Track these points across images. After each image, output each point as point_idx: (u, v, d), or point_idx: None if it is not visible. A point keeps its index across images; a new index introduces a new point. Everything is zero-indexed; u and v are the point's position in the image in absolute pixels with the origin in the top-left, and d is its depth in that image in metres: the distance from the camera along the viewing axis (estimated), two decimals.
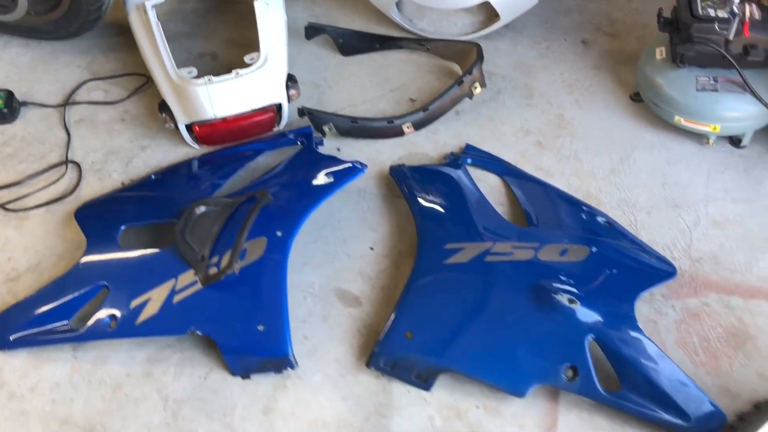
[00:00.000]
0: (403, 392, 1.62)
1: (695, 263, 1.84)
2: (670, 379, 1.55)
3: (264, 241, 1.74)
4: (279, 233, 1.76)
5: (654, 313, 1.74)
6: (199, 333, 1.62)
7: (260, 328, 1.62)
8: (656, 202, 1.98)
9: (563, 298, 1.61)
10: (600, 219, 1.88)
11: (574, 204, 1.92)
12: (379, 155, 2.11)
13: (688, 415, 1.52)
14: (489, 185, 2.02)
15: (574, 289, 1.65)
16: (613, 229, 1.86)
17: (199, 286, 1.68)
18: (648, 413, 1.53)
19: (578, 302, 1.61)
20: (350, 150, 2.12)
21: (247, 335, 1.63)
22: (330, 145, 2.12)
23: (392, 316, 1.65)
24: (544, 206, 1.91)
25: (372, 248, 1.90)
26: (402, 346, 1.61)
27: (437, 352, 1.60)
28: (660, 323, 1.73)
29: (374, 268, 1.85)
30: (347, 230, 1.94)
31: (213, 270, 1.69)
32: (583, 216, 1.87)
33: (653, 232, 1.91)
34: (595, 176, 2.05)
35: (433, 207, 1.86)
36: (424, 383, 1.60)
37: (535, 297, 1.64)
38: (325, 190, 1.86)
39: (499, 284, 1.68)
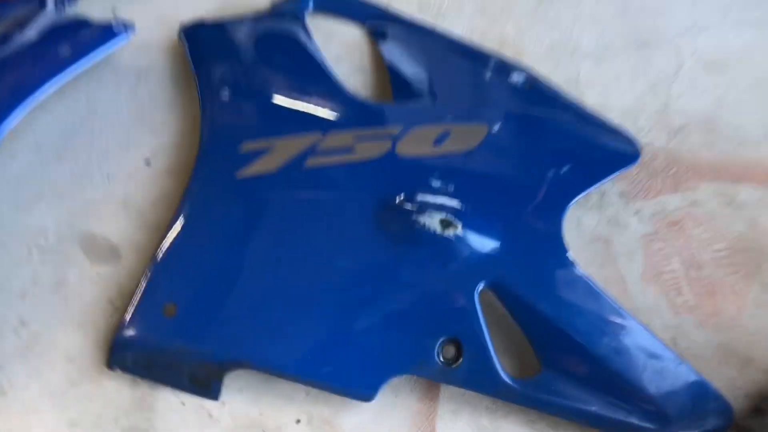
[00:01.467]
0: (174, 406, 0.95)
1: (675, 136, 1.10)
2: (631, 348, 0.86)
3: None
4: None
5: (606, 226, 1.03)
6: None
7: None
8: (611, 42, 1.22)
9: (432, 221, 0.90)
10: (515, 77, 1.12)
11: (471, 56, 1.15)
12: (176, 12, 1.33)
13: (665, 413, 0.84)
14: (344, 42, 1.26)
15: (452, 202, 0.92)
16: (534, 91, 1.10)
17: None
18: (590, 413, 0.84)
19: (458, 224, 0.89)
20: (132, 8, 1.34)
21: None
22: (102, 4, 1.34)
23: (144, 279, 0.95)
24: (418, 66, 1.15)
25: (149, 162, 1.16)
26: (158, 329, 0.92)
27: (220, 336, 0.91)
28: (615, 243, 1.02)
29: (148, 194, 1.13)
30: (113, 136, 1.20)
31: None
32: (488, 75, 1.11)
33: (606, 90, 1.16)
34: (513, 11, 1.27)
35: (231, 84, 1.11)
36: (205, 389, 0.92)
37: (384, 224, 0.92)
38: (51, 70, 1.11)
39: (325, 207, 0.96)
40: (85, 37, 1.14)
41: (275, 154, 0.99)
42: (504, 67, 1.13)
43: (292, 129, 1.02)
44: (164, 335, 0.91)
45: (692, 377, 0.86)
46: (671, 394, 0.85)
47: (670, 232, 1.02)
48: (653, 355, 0.86)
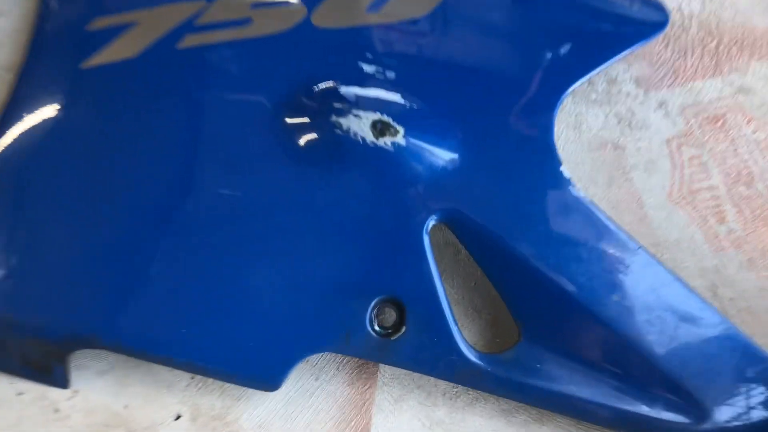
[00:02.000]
0: (8, 397, 0.67)
1: None
2: (651, 306, 0.58)
3: None
4: None
5: (617, 126, 0.73)
6: None
7: None
8: None
9: (361, 124, 0.59)
10: None
11: None
12: None
13: (700, 401, 0.56)
14: None
15: (393, 95, 0.61)
16: None
17: None
18: (590, 402, 0.57)
19: (400, 129, 0.59)
20: None
21: None
22: None
23: None
24: None
25: None
26: None
27: (51, 302, 0.62)
28: (630, 150, 0.72)
29: None
30: None
31: None
32: None
33: None
34: None
35: None
36: (45, 373, 0.64)
37: (295, 130, 0.62)
38: None
39: (207, 108, 0.65)
40: None
41: (137, 32, 0.67)
42: None
43: None
44: None
45: (742, 347, 0.58)
46: (712, 375, 0.57)
47: (709, 132, 0.72)
48: (684, 316, 0.58)
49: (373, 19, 0.66)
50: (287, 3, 0.68)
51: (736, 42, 0.76)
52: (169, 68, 0.66)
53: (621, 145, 0.72)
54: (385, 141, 0.59)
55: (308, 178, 0.61)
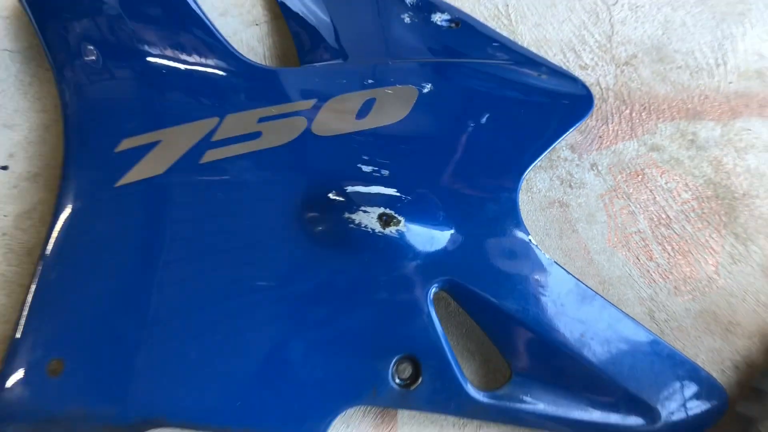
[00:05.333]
0: None
1: (624, 70, 0.97)
2: (609, 339, 0.74)
3: None
4: None
5: (560, 187, 0.90)
6: None
7: None
8: None
9: (369, 218, 0.73)
10: (438, 18, 0.94)
11: None
12: None
13: (652, 407, 0.73)
14: None
15: (390, 190, 0.76)
16: (463, 32, 0.93)
17: None
18: (573, 420, 0.73)
19: (401, 219, 0.74)
20: None
21: None
22: None
23: (18, 330, 0.75)
24: (329, 15, 0.96)
25: (5, 167, 0.94)
26: (44, 393, 0.73)
27: (124, 391, 0.73)
28: (573, 207, 0.89)
29: (11, 208, 0.91)
30: None
31: None
32: (406, 18, 0.93)
33: (541, 23, 1.01)
34: None
35: (92, 60, 0.88)
36: None
37: (310, 227, 0.75)
38: None
39: (233, 212, 0.78)
40: None
41: (161, 151, 0.79)
42: (424, 7, 0.96)
43: (180, 116, 0.81)
44: (52, 399, 0.73)
45: (678, 361, 0.76)
46: (657, 384, 0.74)
47: (632, 185, 0.90)
48: (634, 343, 0.75)
49: (363, 124, 0.80)
50: (289, 115, 0.81)
51: (645, 108, 0.94)
52: (195, 181, 0.78)
53: (565, 203, 0.89)
54: (390, 230, 0.73)
55: (330, 263, 0.74)
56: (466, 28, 0.94)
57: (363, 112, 0.81)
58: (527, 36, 0.98)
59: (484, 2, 1.01)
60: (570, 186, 0.89)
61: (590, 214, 0.88)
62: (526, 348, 0.74)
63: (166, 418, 0.72)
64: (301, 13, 0.96)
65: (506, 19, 1.00)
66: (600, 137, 0.92)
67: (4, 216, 0.90)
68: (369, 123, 0.80)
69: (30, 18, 0.93)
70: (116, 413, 0.72)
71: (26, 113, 0.97)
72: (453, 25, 0.94)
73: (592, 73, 0.95)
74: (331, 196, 0.75)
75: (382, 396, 0.73)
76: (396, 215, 0.74)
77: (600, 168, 0.90)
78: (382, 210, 0.74)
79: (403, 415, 0.79)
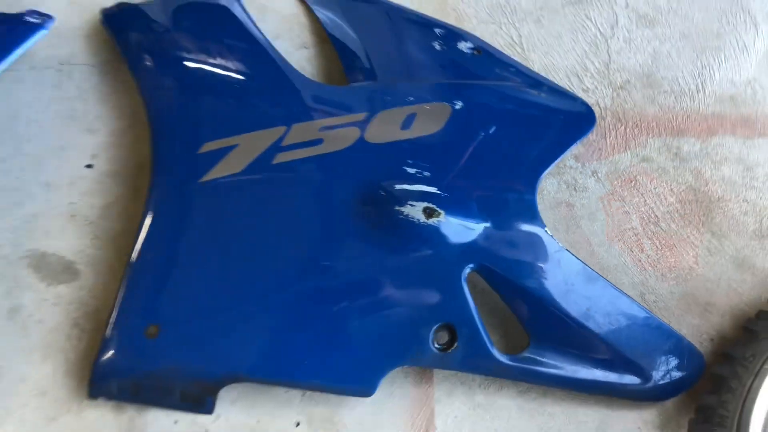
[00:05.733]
0: (166, 426, 0.92)
1: (620, 93, 1.14)
2: (610, 313, 0.91)
3: None
4: None
5: (566, 190, 1.06)
6: None
7: None
8: (547, 1, 1.23)
9: (415, 210, 0.90)
10: (463, 46, 1.11)
11: (417, 27, 1.13)
12: None
13: (644, 368, 0.90)
14: (280, 16, 1.20)
15: (432, 188, 0.92)
16: (485, 59, 1.10)
17: None
18: (579, 379, 0.89)
19: (441, 212, 0.90)
20: None
21: None
22: None
23: (118, 302, 0.89)
24: (367, 42, 1.12)
25: (90, 165, 1.08)
26: (143, 353, 0.88)
27: (207, 351, 0.88)
28: (577, 206, 1.06)
29: (96, 201, 1.06)
30: (44, 140, 1.10)
31: None
32: (436, 45, 1.10)
33: (549, 52, 1.18)
34: None
35: (174, 73, 1.03)
36: (199, 405, 0.89)
37: (366, 217, 0.91)
38: None
39: (301, 204, 0.93)
40: (2, 33, 1.03)
41: (239, 153, 0.95)
42: (450, 34, 1.12)
43: (254, 124, 0.97)
44: (150, 358, 0.87)
45: (665, 332, 0.92)
46: (649, 350, 0.91)
47: (626, 189, 1.07)
48: (630, 316, 0.92)
49: (407, 134, 0.97)
50: (345, 126, 0.97)
51: (637, 125, 1.12)
52: (268, 178, 0.94)
53: (571, 203, 1.05)
54: (433, 220, 0.89)
55: (382, 246, 0.90)
56: (486, 55, 1.11)
57: (406, 124, 0.97)
58: (537, 62, 1.15)
59: (501, 33, 1.18)
60: (575, 189, 1.06)
61: (591, 213, 1.05)
62: (542, 319, 0.90)
63: (246, 374, 0.87)
64: (346, 40, 1.12)
65: (519, 47, 1.17)
66: (599, 149, 1.09)
67: (91, 207, 1.05)
68: (412, 133, 0.96)
69: (116, 43, 1.09)
70: (204, 370, 0.87)
71: (105, 119, 1.12)
72: (475, 52, 1.11)
73: (593, 95, 1.12)
74: (383, 192, 0.91)
75: (423, 357, 0.88)
76: (437, 209, 0.90)
77: (599, 175, 1.07)
78: (426, 204, 0.90)
79: (438, 376, 0.94)
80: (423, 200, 0.90)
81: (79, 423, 0.92)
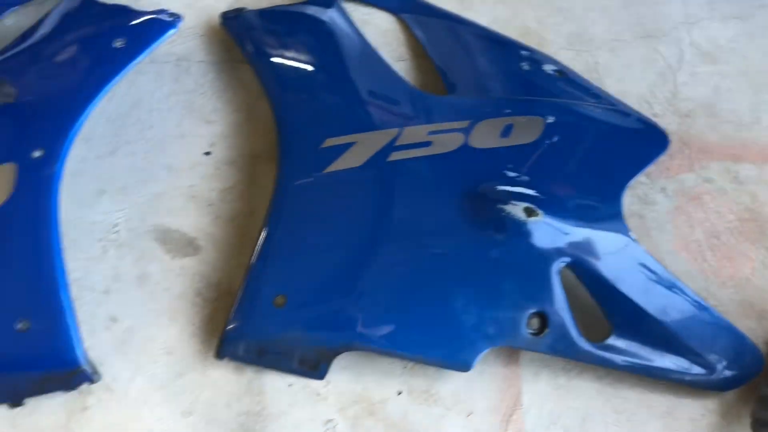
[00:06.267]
0: (281, 388, 1.02)
1: (685, 120, 1.27)
2: (685, 311, 1.02)
3: (12, 169, 1.01)
4: (38, 153, 1.03)
5: (638, 203, 1.18)
6: None
7: (21, 325, 0.94)
8: (621, 33, 1.36)
9: (517, 209, 1.01)
10: (547, 68, 1.24)
11: (507, 49, 1.26)
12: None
13: (710, 362, 1.01)
14: (379, 30, 1.33)
15: (531, 191, 1.04)
16: (567, 81, 1.23)
17: None
18: (653, 367, 1.00)
19: (540, 212, 1.01)
20: None
21: (0, 339, 0.94)
22: None
23: (249, 273, 1.00)
24: (464, 58, 1.25)
25: (208, 152, 1.19)
26: (270, 320, 0.99)
27: (328, 321, 0.99)
28: (648, 218, 1.17)
29: (215, 185, 1.17)
30: (165, 127, 1.21)
31: None
32: (524, 66, 1.23)
33: (623, 78, 1.31)
34: (531, 2, 1.38)
35: (297, 76, 1.15)
36: (313, 370, 1.00)
37: (471, 212, 1.03)
38: (112, 67, 1.11)
39: (413, 197, 1.05)
40: (139, 29, 1.14)
41: (358, 149, 1.06)
42: (535, 57, 1.25)
43: (370, 124, 1.09)
44: (277, 325, 0.98)
45: (730, 331, 1.04)
46: (715, 346, 1.02)
47: (691, 206, 1.19)
48: (699, 315, 1.03)
49: (506, 142, 1.09)
50: (450, 131, 1.09)
51: (700, 149, 1.24)
52: (384, 173, 1.05)
53: (642, 215, 1.17)
54: (532, 219, 1.01)
55: (485, 239, 1.01)
56: (569, 77, 1.23)
57: (505, 133, 1.09)
58: (612, 88, 1.28)
59: (579, 60, 1.31)
60: (645, 203, 1.18)
61: (660, 225, 1.17)
62: (624, 313, 1.01)
63: (361, 343, 0.97)
64: (440, 56, 1.25)
65: (596, 73, 1.30)
66: (667, 168, 1.21)
67: (210, 190, 1.16)
68: (510, 141, 1.08)
69: (239, 46, 1.20)
70: (324, 338, 0.98)
71: (222, 112, 1.23)
72: (558, 74, 1.24)
73: (661, 121, 1.25)
74: (488, 191, 1.02)
75: (516, 339, 0.99)
76: (537, 209, 1.01)
77: (668, 191, 1.19)
78: (526, 204, 1.01)
79: (525, 358, 1.05)
80: (524, 201, 1.02)
81: (204, 380, 1.02)
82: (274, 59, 1.16)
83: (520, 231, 1.01)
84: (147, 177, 1.16)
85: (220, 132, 1.21)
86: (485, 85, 1.19)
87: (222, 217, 1.14)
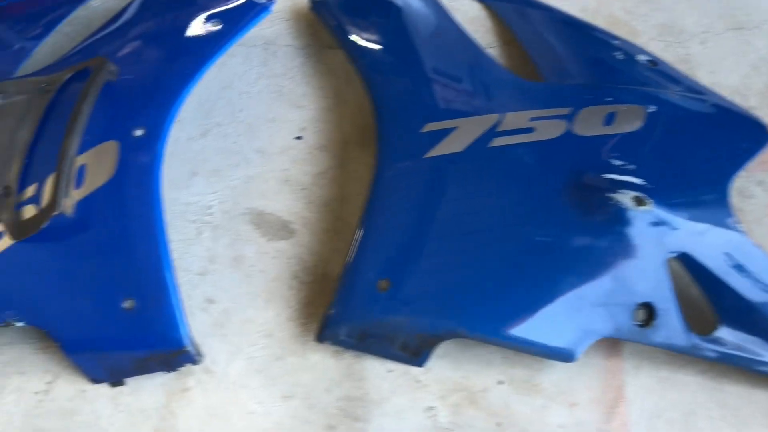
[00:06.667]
0: (381, 374, 1.01)
1: None
2: None
3: (114, 147, 1.01)
4: (139, 131, 1.02)
5: (736, 196, 1.15)
6: (18, 323, 0.92)
7: (127, 304, 0.93)
8: (712, 24, 1.34)
9: (626, 198, 0.99)
10: (641, 58, 1.22)
11: (599, 38, 1.24)
12: None
13: None
14: (466, 17, 1.31)
15: (639, 180, 1.02)
16: (661, 72, 1.21)
17: (8, 240, 0.95)
18: (762, 361, 0.98)
19: (650, 201, 0.99)
20: None
21: (106, 318, 0.94)
22: None
23: (351, 257, 0.99)
24: (556, 45, 1.23)
25: (300, 137, 1.19)
26: (373, 304, 0.97)
27: (433, 307, 0.97)
28: (746, 211, 1.15)
29: (308, 169, 1.16)
30: (255, 110, 1.21)
31: (28, 210, 0.96)
32: (618, 55, 1.21)
33: (715, 71, 1.28)
34: None
35: (393, 60, 1.14)
36: (414, 357, 0.99)
37: (577, 200, 1.01)
38: (210, 48, 1.10)
39: (517, 184, 1.03)
40: (234, 11, 1.13)
41: (460, 134, 1.05)
42: (627, 48, 1.23)
43: (470, 109, 1.07)
44: (380, 309, 0.96)
45: None
46: None
47: None
48: None
49: (610, 129, 1.07)
50: (553, 118, 1.07)
51: None
52: (486, 159, 1.03)
53: (741, 208, 1.14)
54: (642, 209, 0.99)
55: (592, 228, 0.99)
56: (661, 67, 1.21)
57: (608, 121, 1.07)
58: (704, 80, 1.25)
59: (670, 51, 1.29)
60: (743, 196, 1.16)
61: (758, 218, 1.14)
62: (732, 305, 0.99)
63: (467, 331, 0.96)
64: (530, 43, 1.23)
65: (687, 64, 1.27)
66: (763, 162, 1.19)
67: (303, 174, 1.15)
68: (614, 129, 1.06)
69: (324, 23, 1.19)
70: (428, 324, 0.96)
71: (311, 97, 1.22)
72: (651, 64, 1.21)
73: (758, 113, 1.22)
74: (595, 179, 1.00)
75: (623, 331, 0.97)
76: (646, 198, 0.99)
77: (765, 185, 1.17)
78: (636, 193, 0.99)
79: (626, 351, 1.03)
80: (631, 189, 1.00)
81: (303, 363, 1.01)
82: (369, 44, 1.15)
83: (629, 220, 0.99)
84: (239, 160, 1.15)
85: (310, 117, 1.20)
86: (579, 73, 1.17)
87: (315, 201, 1.12)
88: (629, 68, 1.19)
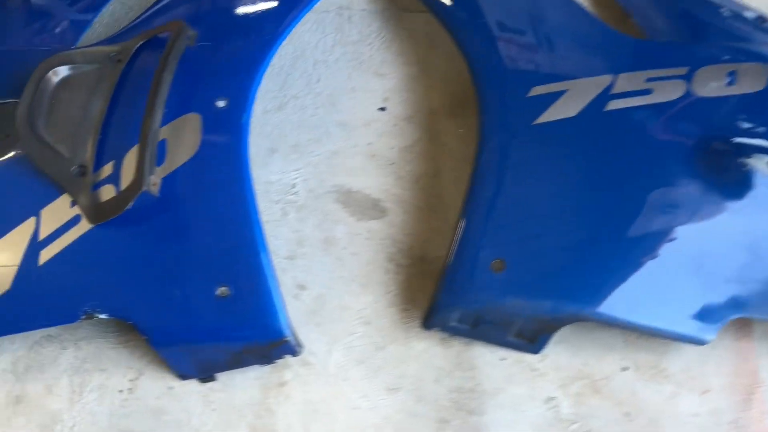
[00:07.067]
0: (493, 362, 0.92)
1: None
2: None
3: (196, 120, 0.92)
4: (221, 102, 0.93)
5: None
6: (101, 316, 0.83)
7: (221, 291, 0.84)
8: None
9: (762, 164, 0.90)
10: (748, 14, 1.12)
11: None
12: None
13: None
14: None
15: None
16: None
17: (85, 225, 0.86)
18: None
19: None
20: None
21: (199, 308, 0.85)
22: None
23: (459, 236, 0.90)
24: (658, 2, 1.13)
25: (383, 108, 1.09)
26: (488, 287, 0.88)
27: (554, 288, 0.88)
28: None
29: (394, 143, 1.06)
30: (333, 81, 1.11)
31: (106, 191, 0.87)
32: (723, 11, 1.10)
33: None
34: None
35: (494, 22, 1.04)
36: (531, 343, 0.90)
37: (706, 166, 0.91)
38: (290, 10, 1.01)
39: (639, 150, 0.94)
40: None
41: (571, 98, 0.95)
42: (732, 5, 1.13)
43: (579, 71, 0.98)
44: (495, 292, 0.87)
45: None
46: None
47: None
48: None
49: (733, 90, 0.97)
50: (670, 78, 0.97)
51: None
52: (603, 123, 0.94)
53: None
54: None
55: (723, 196, 0.90)
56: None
57: (730, 81, 0.98)
58: None
59: None
60: None
61: None
62: None
63: (592, 313, 0.87)
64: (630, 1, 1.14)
65: None
66: None
67: (390, 148, 1.06)
68: (737, 90, 0.97)
69: None
70: (550, 307, 0.87)
71: (393, 65, 1.13)
72: (760, 21, 1.11)
73: None
74: (726, 144, 0.91)
75: (762, 309, 0.88)
76: None
77: None
78: None
79: (757, 330, 0.94)
80: (766, 154, 0.90)
81: (407, 353, 0.92)
82: (466, 7, 1.05)
83: (764, 185, 0.90)
84: (320, 134, 1.06)
85: (393, 86, 1.11)
86: (686, 30, 1.08)
87: (405, 177, 1.03)
88: (738, 24, 1.10)
